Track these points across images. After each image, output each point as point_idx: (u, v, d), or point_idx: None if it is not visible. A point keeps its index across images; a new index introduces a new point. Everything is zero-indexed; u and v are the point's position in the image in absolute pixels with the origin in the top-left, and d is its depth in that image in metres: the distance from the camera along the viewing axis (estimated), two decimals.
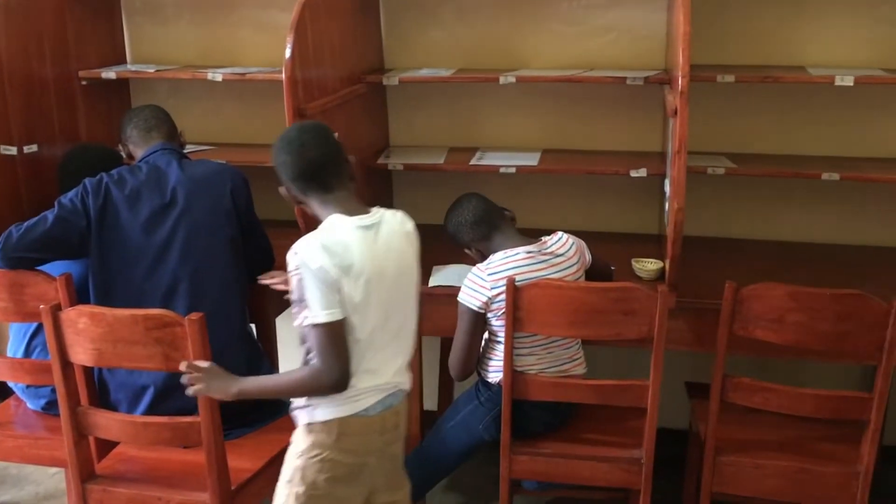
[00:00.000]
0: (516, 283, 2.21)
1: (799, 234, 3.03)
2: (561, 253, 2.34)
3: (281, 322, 2.83)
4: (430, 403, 3.38)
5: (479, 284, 2.29)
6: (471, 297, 2.30)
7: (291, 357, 3.53)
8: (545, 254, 2.32)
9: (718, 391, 2.26)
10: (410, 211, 3.39)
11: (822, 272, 2.68)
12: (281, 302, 2.80)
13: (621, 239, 3.10)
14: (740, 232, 3.07)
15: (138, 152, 2.49)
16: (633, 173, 2.78)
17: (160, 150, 2.44)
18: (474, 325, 2.33)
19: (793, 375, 2.97)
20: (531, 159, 2.94)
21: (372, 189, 3.02)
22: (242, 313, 2.42)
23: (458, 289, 2.50)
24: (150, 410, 2.28)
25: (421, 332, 2.65)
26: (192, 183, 2.37)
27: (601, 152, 3.06)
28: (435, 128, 3.20)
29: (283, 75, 2.24)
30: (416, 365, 2.62)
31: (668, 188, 2.53)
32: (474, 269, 2.33)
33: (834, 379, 3.02)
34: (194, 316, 1.95)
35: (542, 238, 2.39)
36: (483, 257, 2.41)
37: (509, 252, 2.32)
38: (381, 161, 2.97)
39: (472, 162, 2.91)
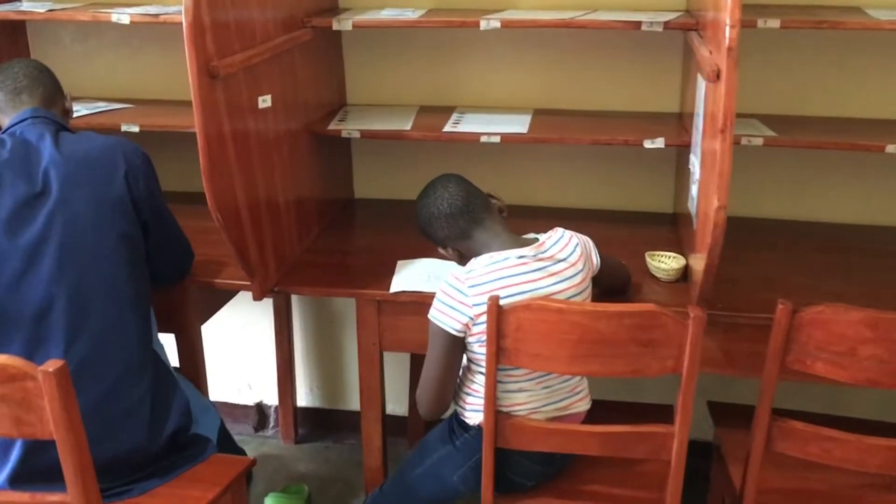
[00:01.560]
0: (502, 301, 1.66)
1: (850, 215, 2.48)
2: (562, 258, 1.79)
3: (209, 330, 2.28)
4: (399, 408, 2.86)
5: (457, 300, 1.74)
6: (446, 316, 1.75)
7: (221, 372, 2.96)
8: (542, 259, 1.77)
9: (763, 440, 1.74)
10: (372, 188, 2.94)
11: (883, 268, 2.15)
12: (207, 305, 2.26)
13: (628, 220, 2.54)
14: (775, 211, 2.52)
15: (5, 121, 1.90)
16: (648, 144, 2.22)
17: (31, 118, 1.85)
18: (450, 351, 1.78)
19: (831, 395, 2.47)
20: (519, 124, 2.35)
21: (324, 162, 2.43)
22: (144, 333, 1.86)
23: (427, 297, 1.95)
24: (19, 467, 1.74)
25: (381, 347, 2.12)
26: (72, 164, 1.79)
27: (605, 114, 2.49)
28: (402, 83, 2.60)
29: (184, 20, 1.64)
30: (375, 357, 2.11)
31: (695, 168, 1.96)
32: (450, 277, 1.78)
33: (879, 399, 2.50)
34: (52, 365, 1.40)
35: (538, 237, 1.84)
36: (462, 260, 1.85)
37: (496, 256, 1.77)
38: (333, 126, 2.38)
39: (447, 128, 2.33)
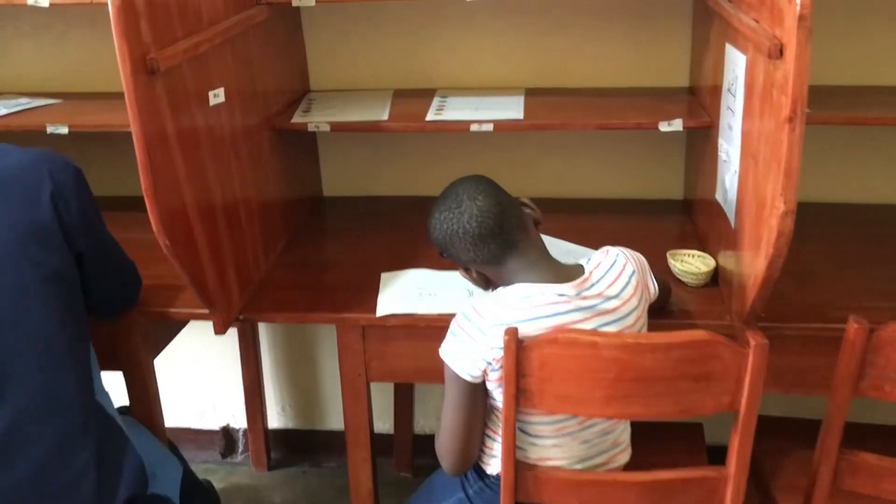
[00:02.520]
0: (521, 336, 1.37)
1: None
2: (613, 294, 1.48)
3: (163, 364, 1.95)
4: (383, 424, 2.58)
5: (474, 339, 1.44)
6: (461, 358, 1.45)
7: (180, 394, 2.62)
8: (587, 297, 1.46)
9: (829, 476, 1.48)
10: (343, 184, 2.61)
11: None
12: (159, 337, 1.93)
13: (636, 210, 2.26)
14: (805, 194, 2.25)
15: None
16: (664, 127, 1.93)
17: None
18: (470, 397, 1.48)
19: None
20: (513, 109, 2.05)
21: (288, 160, 2.11)
22: (84, 386, 1.53)
23: (420, 319, 1.66)
24: None
25: (368, 378, 1.82)
26: None
27: (605, 92, 2.19)
28: (372, 64, 2.27)
29: (110, 5, 1.29)
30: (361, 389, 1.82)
31: (731, 156, 1.67)
32: (470, 309, 1.47)
33: None
34: None
35: (583, 265, 1.53)
36: (488, 285, 1.55)
37: (530, 290, 1.45)
38: (298, 119, 2.05)
39: (430, 117, 2.01)
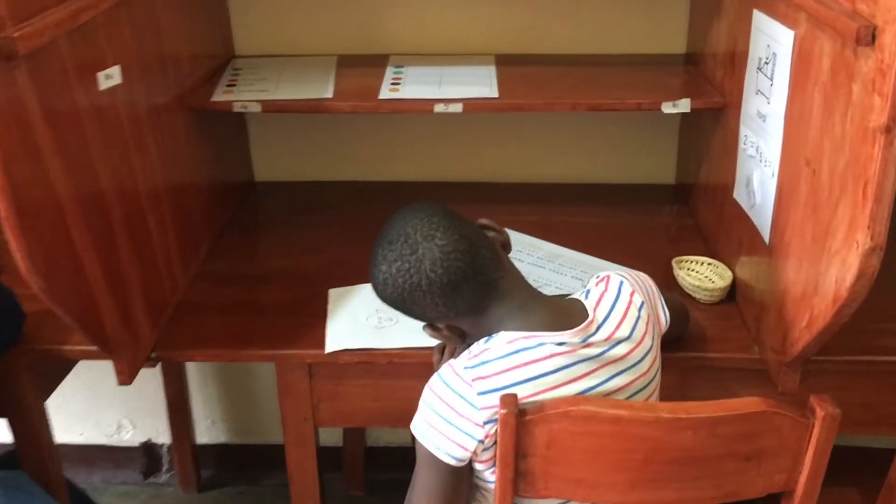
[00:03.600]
0: (522, 404, 1.04)
1: None
2: (624, 336, 1.16)
3: (55, 405, 1.58)
4: (331, 437, 2.26)
5: (459, 414, 1.10)
6: (442, 438, 1.11)
7: (91, 405, 2.24)
8: (594, 343, 1.14)
9: None
10: (278, 168, 2.07)
11: None
12: (49, 378, 1.56)
13: (624, 197, 1.96)
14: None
15: None
16: (668, 108, 1.60)
17: None
18: (453, 483, 1.15)
19: None
20: (484, 81, 1.69)
21: (210, 146, 1.72)
22: None
23: (379, 354, 1.34)
24: None
25: (316, 423, 1.49)
26: None
27: (588, 60, 1.85)
28: (312, 23, 1.88)
29: None
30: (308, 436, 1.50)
31: (762, 150, 1.36)
32: (448, 372, 1.13)
33: None
34: None
35: (580, 300, 1.20)
36: (463, 338, 1.21)
37: (521, 342, 1.12)
38: (220, 97, 1.66)
39: (385, 94, 1.64)
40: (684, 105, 1.59)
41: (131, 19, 1.34)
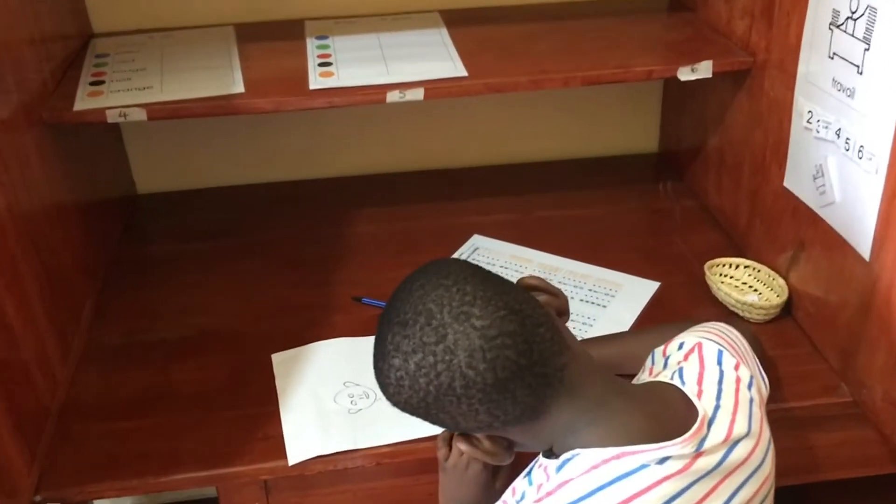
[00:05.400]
0: None
1: None
2: (744, 432, 0.82)
3: None
4: None
5: None
6: None
7: None
8: (712, 449, 0.79)
9: None
10: (166, 176, 1.61)
11: None
12: None
13: (603, 171, 1.63)
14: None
15: None
16: (685, 75, 1.25)
17: None
18: None
19: None
20: (440, 51, 1.29)
21: (75, 167, 1.25)
22: None
23: (364, 453, 0.98)
24: None
25: None
26: None
27: (549, 8, 1.48)
28: None
29: None
30: None
31: (837, 133, 1.03)
32: None
33: None
34: None
35: (671, 385, 0.84)
36: (510, 454, 0.84)
37: (614, 465, 0.76)
38: (84, 106, 1.18)
39: (316, 83, 1.21)
40: (705, 69, 1.25)
41: None
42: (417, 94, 1.20)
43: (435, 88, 1.20)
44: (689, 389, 0.83)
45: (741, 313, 1.20)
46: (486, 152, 1.64)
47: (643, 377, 0.92)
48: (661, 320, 1.21)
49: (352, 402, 1.08)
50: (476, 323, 0.73)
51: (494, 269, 1.31)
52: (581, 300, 1.25)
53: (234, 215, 1.52)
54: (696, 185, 1.51)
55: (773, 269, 1.24)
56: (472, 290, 0.75)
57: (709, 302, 1.24)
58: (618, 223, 1.47)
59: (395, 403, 0.79)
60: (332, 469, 1.01)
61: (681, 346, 0.90)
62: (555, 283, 1.28)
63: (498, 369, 0.73)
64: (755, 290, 1.24)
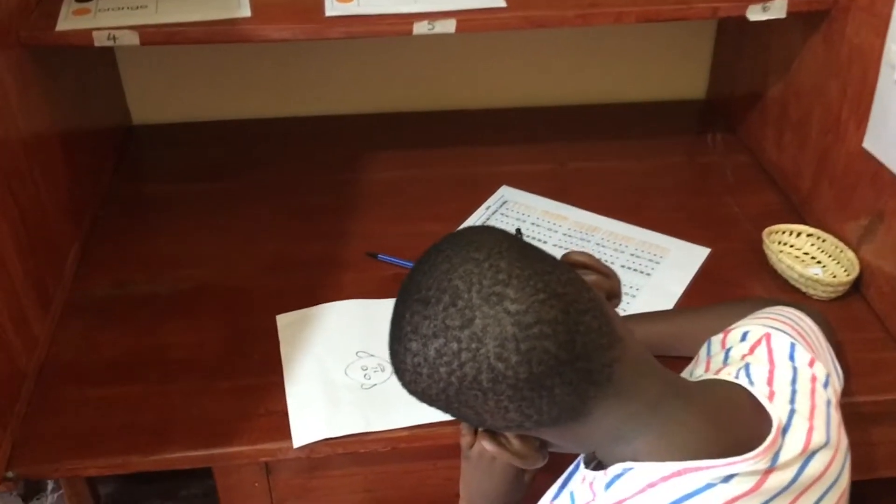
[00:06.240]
0: None
1: None
2: (822, 441, 0.69)
3: None
4: None
5: None
6: None
7: None
8: (787, 464, 0.66)
9: None
10: (164, 106, 1.41)
11: None
12: None
13: (646, 118, 1.48)
14: None
15: None
16: (755, 14, 1.09)
17: None
18: None
19: None
20: None
21: (63, 98, 1.11)
22: None
23: (377, 437, 0.86)
24: None
25: None
26: None
27: None
28: None
29: None
30: None
31: None
32: None
33: None
34: None
35: (738, 385, 0.70)
36: (542, 457, 0.71)
37: (675, 483, 0.63)
38: (67, 26, 1.03)
39: (333, 10, 1.06)
40: (778, 8, 1.09)
41: None
42: (448, 27, 1.05)
43: (469, 20, 1.05)
44: (759, 391, 0.70)
45: (804, 289, 1.07)
46: (515, 92, 1.49)
47: (698, 371, 0.79)
48: (712, 292, 1.08)
49: (365, 376, 0.96)
50: (510, 307, 0.60)
51: (525, 226, 1.19)
52: (622, 266, 1.12)
53: (238, 153, 1.38)
54: (750, 138, 1.37)
55: (840, 239, 1.10)
56: (507, 266, 0.62)
57: (765, 273, 1.11)
58: (662, 178, 1.33)
59: (412, 392, 0.67)
60: (340, 453, 0.89)
61: (744, 337, 0.77)
62: (592, 246, 1.16)
63: (533, 363, 0.60)
64: (819, 263, 1.11)
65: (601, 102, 1.51)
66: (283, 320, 1.03)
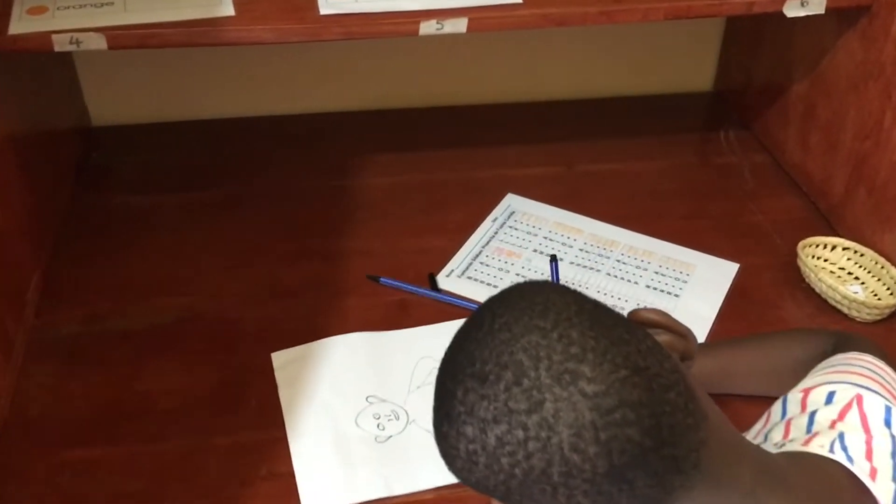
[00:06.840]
0: None
1: None
2: None
3: None
4: None
5: None
6: None
7: None
8: None
9: None
10: (126, 106, 1.27)
11: None
12: None
13: (653, 112, 1.38)
14: None
15: None
16: (793, 10, 1.00)
17: None
18: None
19: None
20: None
21: (17, 100, 0.97)
22: None
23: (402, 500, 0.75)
24: None
25: None
26: None
27: None
28: None
29: None
30: None
31: None
32: None
33: None
34: None
35: (834, 462, 0.61)
36: None
37: None
38: (21, 29, 0.89)
39: (328, 7, 0.94)
40: (817, 4, 0.99)
41: None
42: (459, 26, 0.93)
43: (482, 19, 0.94)
44: (860, 468, 0.62)
45: (846, 311, 0.99)
46: (516, 87, 1.38)
47: (776, 437, 0.70)
48: (746, 315, 1.00)
49: (378, 426, 0.85)
50: (586, 388, 0.50)
51: (537, 241, 1.09)
52: (647, 286, 1.03)
53: (214, 157, 1.25)
54: (768, 137, 1.28)
55: (880, 254, 1.02)
56: (579, 337, 0.51)
57: (799, 292, 1.03)
58: (676, 181, 1.23)
59: (464, 481, 0.56)
60: None
61: (830, 399, 0.68)
62: (612, 263, 1.06)
63: (614, 454, 0.50)
64: (858, 280, 1.03)
65: (605, 96, 1.40)
66: (278, 359, 0.92)
